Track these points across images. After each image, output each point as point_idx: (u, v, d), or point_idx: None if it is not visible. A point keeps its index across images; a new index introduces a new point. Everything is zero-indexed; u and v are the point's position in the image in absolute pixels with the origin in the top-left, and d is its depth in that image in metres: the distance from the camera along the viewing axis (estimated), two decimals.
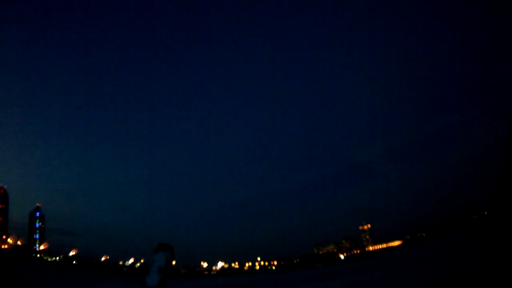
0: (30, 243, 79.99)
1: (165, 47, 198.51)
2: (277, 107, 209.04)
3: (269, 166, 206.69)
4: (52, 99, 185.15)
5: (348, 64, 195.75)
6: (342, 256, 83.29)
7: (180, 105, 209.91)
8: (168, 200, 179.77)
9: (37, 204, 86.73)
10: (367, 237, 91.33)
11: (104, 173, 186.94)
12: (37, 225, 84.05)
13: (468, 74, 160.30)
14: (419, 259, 16.06)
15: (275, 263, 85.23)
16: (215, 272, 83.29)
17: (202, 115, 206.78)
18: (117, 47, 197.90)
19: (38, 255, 77.34)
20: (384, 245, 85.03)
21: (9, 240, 75.37)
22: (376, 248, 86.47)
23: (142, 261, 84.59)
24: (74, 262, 78.98)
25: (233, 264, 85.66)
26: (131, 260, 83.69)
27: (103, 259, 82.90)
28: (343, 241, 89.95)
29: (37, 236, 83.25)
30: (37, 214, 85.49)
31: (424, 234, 79.38)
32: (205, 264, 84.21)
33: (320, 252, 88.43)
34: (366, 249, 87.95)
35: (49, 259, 77.47)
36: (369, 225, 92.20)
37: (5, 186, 78.91)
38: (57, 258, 79.22)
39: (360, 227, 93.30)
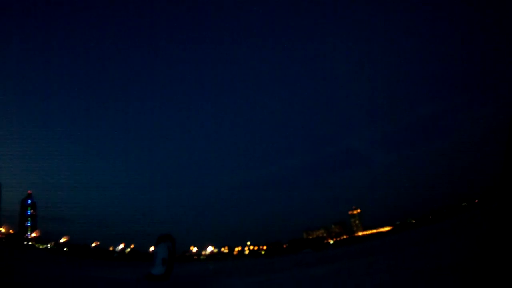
0: (21, 231, 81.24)
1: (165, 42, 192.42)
2: (268, 92, 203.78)
3: (259, 151, 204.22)
4: (46, 87, 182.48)
5: (340, 50, 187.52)
6: (331, 241, 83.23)
7: (162, 91, 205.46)
8: (158, 187, 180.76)
9: (29, 192, 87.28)
10: (357, 222, 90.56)
11: (96, 160, 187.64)
12: (29, 212, 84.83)
13: (461, 60, 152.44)
14: (407, 246, 17.17)
15: (265, 247, 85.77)
16: (204, 257, 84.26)
17: (186, 100, 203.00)
18: (117, 44, 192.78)
19: (30, 243, 78.88)
20: (374, 231, 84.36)
21: (1, 229, 76.39)
22: (365, 233, 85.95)
23: (132, 246, 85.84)
24: (65, 249, 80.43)
25: (222, 249, 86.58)
26: (121, 246, 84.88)
27: (93, 245, 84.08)
28: (333, 226, 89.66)
29: (29, 224, 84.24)
30: (29, 201, 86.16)
31: (414, 221, 78.41)
32: (194, 249, 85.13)
33: (310, 237, 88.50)
34: (356, 234, 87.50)
35: (41, 247, 79.05)
36: (359, 210, 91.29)
37: None
38: (49, 245, 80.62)
39: (350, 212, 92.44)
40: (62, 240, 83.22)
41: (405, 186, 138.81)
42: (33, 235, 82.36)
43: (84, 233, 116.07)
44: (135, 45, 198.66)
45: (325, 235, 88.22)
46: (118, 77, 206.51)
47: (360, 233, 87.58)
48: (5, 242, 68.27)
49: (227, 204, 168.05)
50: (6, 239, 72.34)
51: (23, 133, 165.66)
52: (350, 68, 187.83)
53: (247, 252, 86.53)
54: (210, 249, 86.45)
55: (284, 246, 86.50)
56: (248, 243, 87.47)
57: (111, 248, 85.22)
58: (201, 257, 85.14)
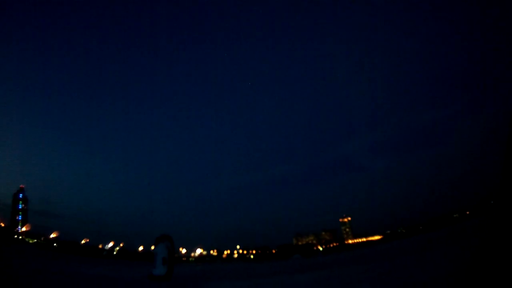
0: (12, 225, 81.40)
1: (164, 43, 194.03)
2: (261, 98, 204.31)
3: (252, 156, 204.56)
4: (45, 86, 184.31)
5: (336, 56, 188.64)
6: (320, 248, 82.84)
7: (162, 91, 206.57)
8: (150, 188, 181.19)
9: (21, 186, 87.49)
10: (347, 230, 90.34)
11: (90, 158, 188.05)
12: (20, 206, 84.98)
13: (458, 68, 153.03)
14: (398, 255, 16.96)
15: (254, 252, 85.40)
16: (193, 259, 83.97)
17: (179, 105, 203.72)
18: (117, 44, 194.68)
19: (20, 237, 78.92)
20: (364, 239, 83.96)
21: None
22: (355, 241, 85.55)
23: (121, 245, 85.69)
24: (55, 244, 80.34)
25: (211, 251, 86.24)
26: (111, 244, 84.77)
27: (83, 242, 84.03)
28: (323, 233, 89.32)
29: (20, 218, 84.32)
30: (20, 195, 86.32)
31: (404, 231, 78.04)
32: (183, 250, 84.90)
33: (300, 243, 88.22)
34: (346, 242, 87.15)
35: (30, 241, 79.00)
36: (349, 218, 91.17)
37: None
38: (39, 240, 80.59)
39: (341, 220, 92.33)
40: (52, 235, 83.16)
41: (397, 195, 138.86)
42: (24, 229, 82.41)
43: (75, 229, 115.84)
44: (135, 45, 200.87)
45: (315, 241, 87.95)
46: (118, 77, 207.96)
47: (350, 241, 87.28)
48: None
49: (218, 207, 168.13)
50: None
51: (23, 130, 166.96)
52: (347, 74, 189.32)
53: (236, 255, 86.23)
54: (199, 251, 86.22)
55: (273, 251, 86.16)
56: (238, 246, 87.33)
57: (100, 246, 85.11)
58: (190, 259, 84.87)
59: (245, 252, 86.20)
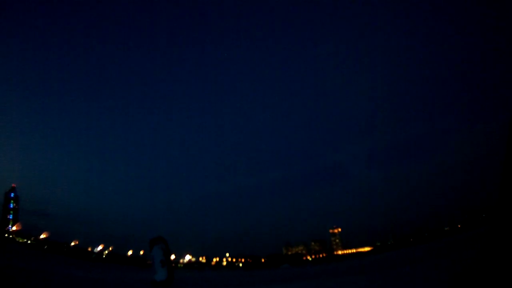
0: (3, 224, 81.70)
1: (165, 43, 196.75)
2: (253, 103, 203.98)
3: (241, 162, 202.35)
4: (45, 85, 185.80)
5: (330, 63, 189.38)
6: (309, 258, 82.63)
7: (161, 91, 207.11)
8: (142, 193, 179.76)
9: (13, 185, 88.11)
10: (337, 240, 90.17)
11: (84, 158, 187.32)
12: (11, 205, 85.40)
13: (453, 78, 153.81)
14: (389, 267, 16.70)
15: (243, 260, 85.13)
16: (182, 265, 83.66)
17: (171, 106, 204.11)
18: (117, 44, 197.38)
19: (10, 236, 79.08)
20: (354, 250, 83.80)
21: None
22: (345, 252, 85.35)
23: (110, 248, 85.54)
24: (45, 246, 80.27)
25: (200, 258, 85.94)
26: (100, 247, 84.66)
27: (72, 244, 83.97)
28: (312, 243, 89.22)
29: (11, 217, 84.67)
30: (12, 194, 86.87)
31: (394, 242, 77.94)
32: (172, 257, 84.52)
33: (289, 253, 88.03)
34: (335, 252, 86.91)
35: (20, 240, 79.13)
36: (339, 229, 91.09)
37: None
38: (29, 240, 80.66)
39: (331, 230, 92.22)
40: (42, 236, 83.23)
41: (388, 207, 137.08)
42: (14, 228, 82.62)
43: (66, 231, 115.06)
44: (135, 45, 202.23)
45: (304, 251, 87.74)
46: (117, 77, 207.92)
47: (339, 252, 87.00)
48: None
49: (207, 214, 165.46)
50: None
51: (15, 128, 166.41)
52: (341, 83, 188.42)
53: (225, 263, 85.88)
54: (188, 257, 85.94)
55: (263, 260, 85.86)
56: (227, 254, 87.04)
57: (89, 249, 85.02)
58: (179, 265, 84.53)
59: (233, 260, 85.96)
